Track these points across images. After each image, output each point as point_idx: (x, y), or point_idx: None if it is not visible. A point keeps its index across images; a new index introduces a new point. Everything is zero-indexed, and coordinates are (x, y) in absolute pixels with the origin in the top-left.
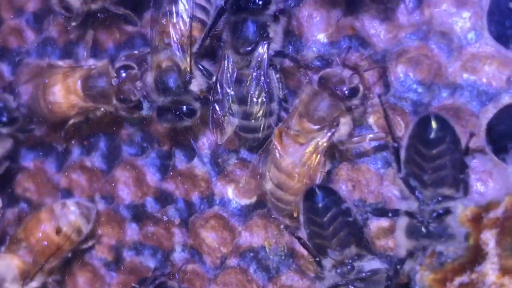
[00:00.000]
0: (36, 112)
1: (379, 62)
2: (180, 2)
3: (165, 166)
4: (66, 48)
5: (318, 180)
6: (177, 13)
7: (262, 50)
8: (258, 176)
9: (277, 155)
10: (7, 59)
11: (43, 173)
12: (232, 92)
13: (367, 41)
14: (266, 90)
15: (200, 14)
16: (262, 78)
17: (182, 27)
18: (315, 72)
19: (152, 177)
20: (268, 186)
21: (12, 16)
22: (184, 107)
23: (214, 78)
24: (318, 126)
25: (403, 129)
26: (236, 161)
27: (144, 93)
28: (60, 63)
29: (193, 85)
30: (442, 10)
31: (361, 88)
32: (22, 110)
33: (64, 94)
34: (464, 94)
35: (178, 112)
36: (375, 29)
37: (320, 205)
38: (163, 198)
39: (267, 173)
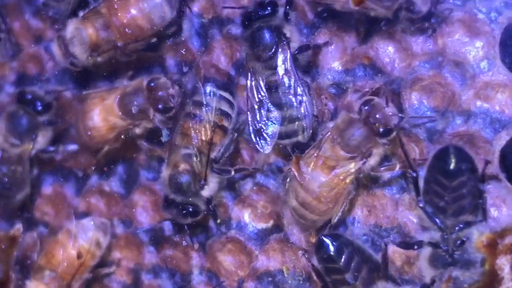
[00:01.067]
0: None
1: (394, 90)
2: (204, 107)
3: None
4: (83, 76)
5: (342, 206)
6: (200, 118)
7: (283, 50)
8: (276, 200)
9: (305, 176)
10: (26, 86)
11: (62, 197)
12: (267, 100)
13: (382, 70)
14: (300, 84)
15: (222, 122)
16: (293, 77)
17: (203, 133)
18: (331, 99)
19: None
20: (293, 203)
21: (31, 44)
22: (191, 207)
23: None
24: (350, 155)
25: (417, 156)
26: (252, 186)
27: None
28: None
29: (204, 191)
30: (455, 40)
31: (395, 131)
32: (49, 97)
33: (103, 117)
34: (477, 121)
35: (183, 210)
36: (389, 58)
37: (332, 251)
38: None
39: (292, 192)
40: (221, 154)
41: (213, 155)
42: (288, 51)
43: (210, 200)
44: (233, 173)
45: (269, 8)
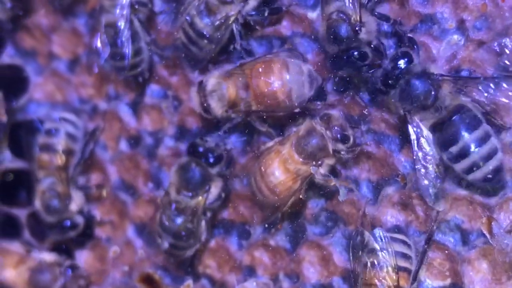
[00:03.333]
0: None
1: None
2: (379, 253)
3: None
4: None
5: None
6: (380, 265)
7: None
8: (454, 258)
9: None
10: (186, 140)
11: (225, 250)
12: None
13: None
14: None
15: (403, 263)
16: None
17: (388, 279)
18: None
19: (339, 257)
20: None
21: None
22: None
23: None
24: None
25: None
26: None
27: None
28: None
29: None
30: None
31: None
32: (220, 148)
33: (284, 169)
34: None
35: None
36: None
37: None
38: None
39: None
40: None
41: None
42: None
43: None
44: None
45: (406, 59)
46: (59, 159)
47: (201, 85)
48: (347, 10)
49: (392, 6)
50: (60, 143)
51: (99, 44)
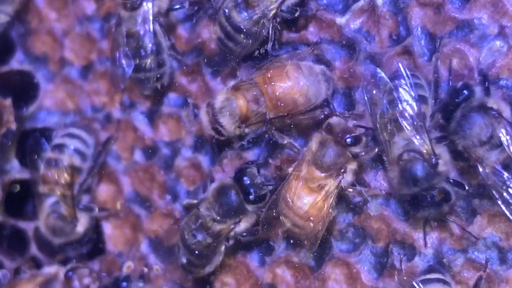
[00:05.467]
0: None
1: None
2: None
3: (381, 264)
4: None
5: None
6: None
7: (500, 124)
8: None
9: None
10: (204, 150)
11: (244, 267)
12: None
13: None
14: None
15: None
16: None
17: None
18: None
19: (367, 276)
20: None
21: None
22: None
23: None
24: None
25: None
26: (464, 261)
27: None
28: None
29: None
30: None
31: None
32: (265, 189)
33: (308, 190)
34: None
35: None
36: None
37: None
38: None
39: None
40: None
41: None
42: (504, 121)
43: None
44: None
45: (465, 91)
46: (65, 176)
47: (209, 105)
48: (416, 146)
49: (427, 12)
50: (67, 159)
51: (122, 59)
